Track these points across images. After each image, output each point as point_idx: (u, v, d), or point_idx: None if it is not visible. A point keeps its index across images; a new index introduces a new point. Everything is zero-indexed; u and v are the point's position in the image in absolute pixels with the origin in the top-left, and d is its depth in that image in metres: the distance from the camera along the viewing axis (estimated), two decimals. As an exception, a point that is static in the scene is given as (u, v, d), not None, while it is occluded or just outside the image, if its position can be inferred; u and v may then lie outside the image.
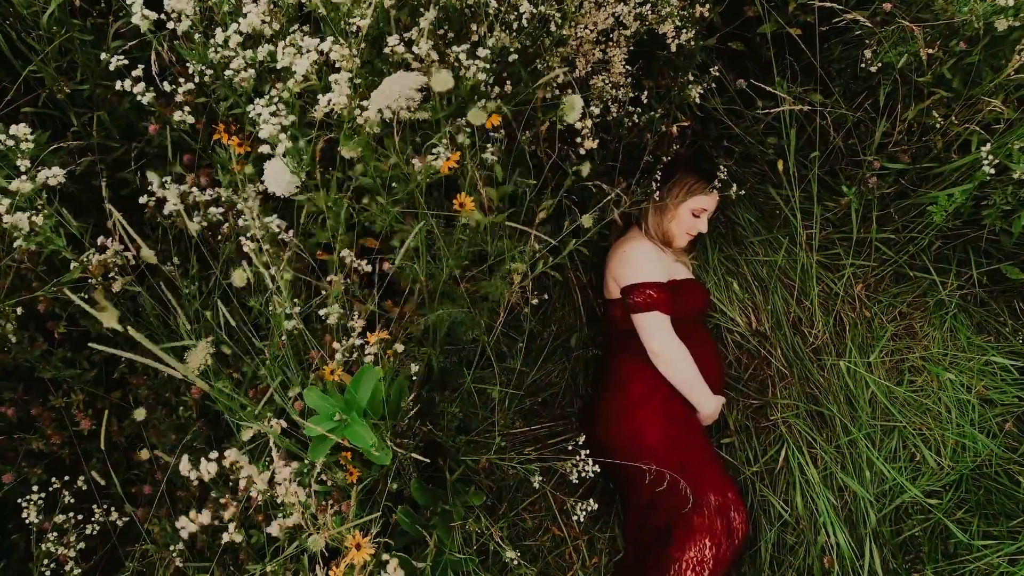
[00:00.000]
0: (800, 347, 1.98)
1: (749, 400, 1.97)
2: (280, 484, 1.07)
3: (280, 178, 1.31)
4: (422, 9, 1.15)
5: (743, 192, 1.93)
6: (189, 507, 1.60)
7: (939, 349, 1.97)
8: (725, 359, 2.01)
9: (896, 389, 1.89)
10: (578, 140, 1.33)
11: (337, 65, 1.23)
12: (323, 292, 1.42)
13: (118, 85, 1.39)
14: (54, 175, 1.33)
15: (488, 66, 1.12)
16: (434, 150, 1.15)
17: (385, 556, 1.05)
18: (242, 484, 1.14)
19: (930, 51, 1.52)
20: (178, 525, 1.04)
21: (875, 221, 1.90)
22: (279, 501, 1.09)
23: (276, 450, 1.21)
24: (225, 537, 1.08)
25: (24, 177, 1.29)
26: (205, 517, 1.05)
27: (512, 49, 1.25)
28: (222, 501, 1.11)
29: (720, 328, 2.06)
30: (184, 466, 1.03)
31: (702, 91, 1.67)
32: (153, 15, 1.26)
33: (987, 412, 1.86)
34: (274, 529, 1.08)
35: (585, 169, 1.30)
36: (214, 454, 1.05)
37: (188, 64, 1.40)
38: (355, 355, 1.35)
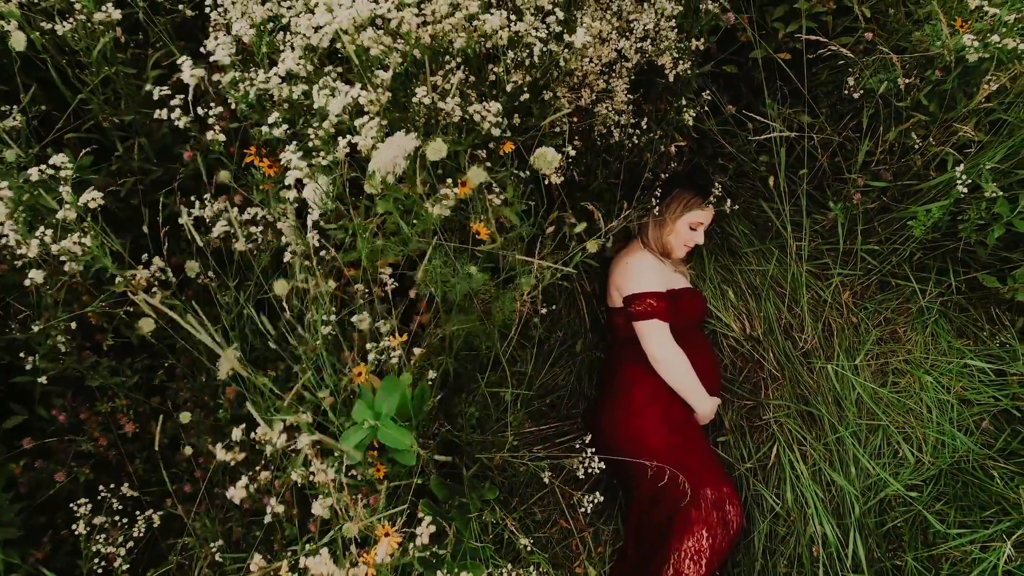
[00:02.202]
0: (791, 351, 2.11)
1: (743, 401, 2.10)
2: (314, 469, 1.19)
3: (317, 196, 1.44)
4: (447, 58, 1.28)
5: (736, 207, 2.07)
6: (225, 503, 1.73)
7: (921, 352, 2.10)
8: (721, 363, 2.15)
9: (880, 390, 2.02)
10: (561, 170, 1.44)
11: (365, 109, 1.36)
12: (355, 302, 1.55)
13: (157, 113, 1.51)
14: (93, 198, 1.44)
15: (500, 120, 1.24)
16: (444, 190, 1.26)
17: (420, 514, 1.18)
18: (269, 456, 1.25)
19: (907, 80, 1.65)
20: (228, 495, 1.15)
21: (860, 234, 2.03)
22: (314, 483, 1.21)
23: (308, 439, 1.33)
24: (267, 517, 1.20)
25: (68, 205, 1.39)
26: (241, 487, 1.17)
27: (524, 87, 1.37)
28: (257, 469, 1.23)
29: (716, 333, 2.19)
30: (219, 450, 1.15)
31: (695, 114, 1.79)
32: (200, 72, 1.37)
33: (965, 411, 1.99)
34: (316, 508, 1.21)
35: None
36: (241, 427, 1.17)
37: (227, 97, 1.52)
38: (383, 358, 1.48)
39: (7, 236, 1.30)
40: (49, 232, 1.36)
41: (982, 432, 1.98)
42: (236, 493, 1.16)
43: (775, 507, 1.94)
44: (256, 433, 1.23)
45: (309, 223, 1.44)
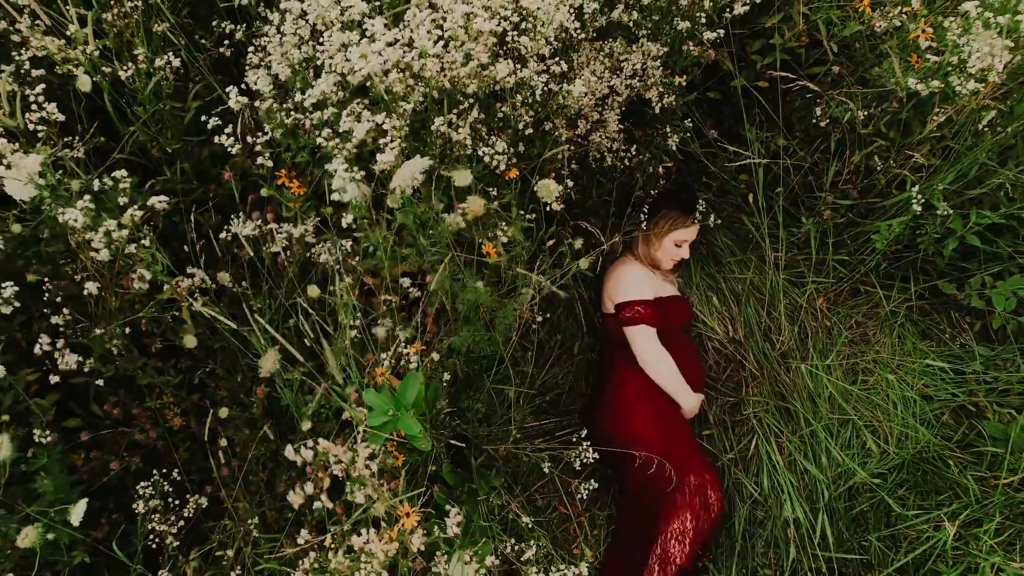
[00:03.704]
0: (769, 352, 2.31)
1: (726, 398, 2.31)
2: (359, 462, 1.39)
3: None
4: (460, 97, 1.48)
5: (720, 221, 2.27)
6: (259, 489, 1.93)
7: (889, 353, 2.30)
8: (706, 362, 2.35)
9: (850, 388, 2.22)
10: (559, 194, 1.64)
11: (389, 134, 1.56)
12: (378, 308, 1.76)
13: (216, 139, 1.70)
14: (158, 201, 1.65)
15: (505, 156, 1.45)
16: (459, 207, 1.47)
17: (436, 500, 1.38)
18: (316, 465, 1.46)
19: (864, 113, 1.85)
20: (289, 498, 1.35)
21: (831, 246, 2.23)
22: (356, 475, 1.41)
23: (354, 435, 1.53)
24: (317, 504, 1.40)
25: (132, 209, 1.59)
26: (309, 488, 1.37)
27: (528, 123, 1.57)
28: (319, 475, 1.43)
29: (702, 336, 2.39)
30: (289, 451, 1.35)
31: (679, 139, 1.99)
32: (244, 100, 1.57)
33: (926, 407, 2.19)
34: (358, 497, 1.40)
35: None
36: (310, 443, 1.37)
37: (264, 125, 1.73)
38: (401, 361, 1.69)
39: (90, 243, 1.49)
40: (116, 231, 1.56)
41: (942, 425, 2.19)
42: (295, 498, 1.35)
43: (754, 494, 2.14)
44: (318, 445, 1.41)
45: (344, 224, 1.63)
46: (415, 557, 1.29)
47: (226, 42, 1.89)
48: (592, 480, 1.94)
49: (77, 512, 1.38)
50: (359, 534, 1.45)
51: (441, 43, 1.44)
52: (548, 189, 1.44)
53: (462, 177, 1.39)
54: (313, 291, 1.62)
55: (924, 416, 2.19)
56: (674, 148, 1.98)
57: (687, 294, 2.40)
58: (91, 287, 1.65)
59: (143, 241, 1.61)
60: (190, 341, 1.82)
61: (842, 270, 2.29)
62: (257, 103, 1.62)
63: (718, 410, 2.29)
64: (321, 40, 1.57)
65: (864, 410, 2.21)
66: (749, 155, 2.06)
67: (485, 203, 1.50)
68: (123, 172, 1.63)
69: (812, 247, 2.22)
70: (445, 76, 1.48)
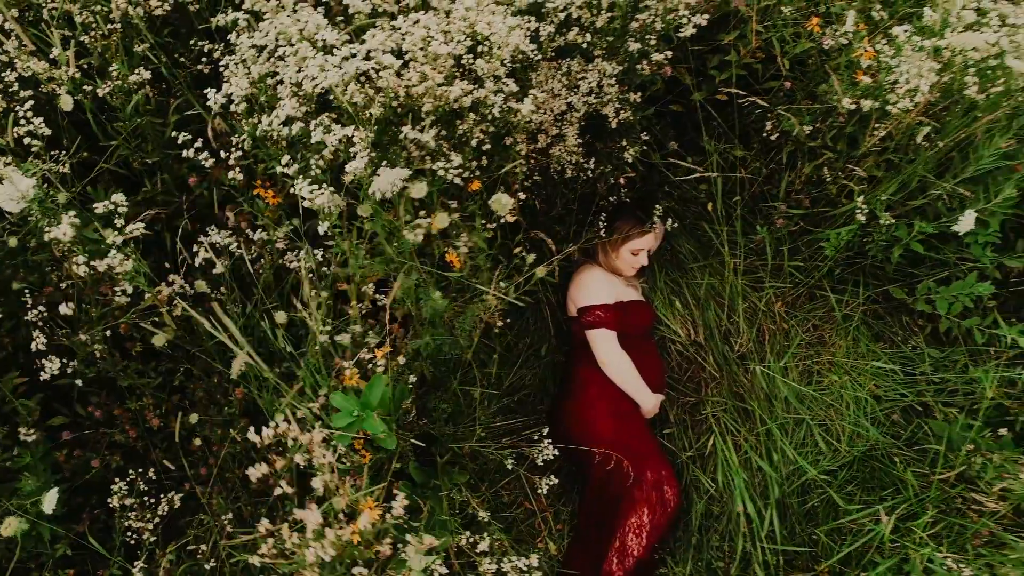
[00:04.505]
0: (729, 354, 2.41)
1: (687, 398, 2.41)
2: (315, 451, 1.48)
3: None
4: (421, 114, 1.57)
5: (676, 225, 2.37)
6: (235, 486, 2.03)
7: (843, 355, 2.40)
8: (668, 364, 2.45)
9: (804, 389, 2.32)
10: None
11: (356, 144, 1.65)
12: (346, 313, 1.85)
13: (184, 154, 1.80)
14: (138, 228, 1.75)
15: (461, 170, 1.54)
16: (419, 220, 1.56)
17: (394, 491, 1.47)
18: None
19: (809, 127, 1.95)
20: (248, 473, 1.44)
21: (787, 252, 2.33)
22: (314, 463, 1.50)
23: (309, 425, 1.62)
24: (277, 491, 1.50)
25: (116, 234, 1.69)
26: (264, 468, 1.46)
27: (486, 139, 1.67)
28: (273, 457, 1.52)
29: (665, 339, 2.49)
30: (251, 433, 1.44)
31: (636, 152, 2.09)
32: (221, 99, 1.66)
33: (877, 407, 2.29)
34: (316, 483, 1.49)
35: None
36: (271, 424, 1.46)
37: (236, 136, 1.81)
38: (369, 364, 1.78)
39: (74, 260, 1.58)
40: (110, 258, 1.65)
41: (892, 424, 2.29)
42: (254, 473, 1.45)
43: (710, 490, 2.24)
44: (278, 427, 1.51)
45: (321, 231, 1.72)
46: (370, 544, 1.39)
47: (204, 59, 1.99)
48: (552, 476, 2.03)
49: (49, 500, 1.47)
50: (326, 523, 1.54)
51: (400, 62, 1.53)
52: (501, 203, 1.54)
53: (418, 189, 1.49)
54: (280, 317, 1.72)
55: (875, 415, 2.29)
56: (630, 161, 2.08)
57: (651, 298, 2.50)
58: (66, 308, 1.75)
59: (128, 261, 1.70)
60: (159, 339, 1.91)
61: (798, 275, 2.39)
62: (232, 108, 1.70)
63: (678, 410, 2.39)
64: (284, 55, 1.66)
65: (818, 410, 2.31)
66: (698, 169, 2.16)
67: (448, 215, 1.59)
68: (121, 197, 1.70)
69: (768, 254, 2.32)
70: (403, 89, 1.58)
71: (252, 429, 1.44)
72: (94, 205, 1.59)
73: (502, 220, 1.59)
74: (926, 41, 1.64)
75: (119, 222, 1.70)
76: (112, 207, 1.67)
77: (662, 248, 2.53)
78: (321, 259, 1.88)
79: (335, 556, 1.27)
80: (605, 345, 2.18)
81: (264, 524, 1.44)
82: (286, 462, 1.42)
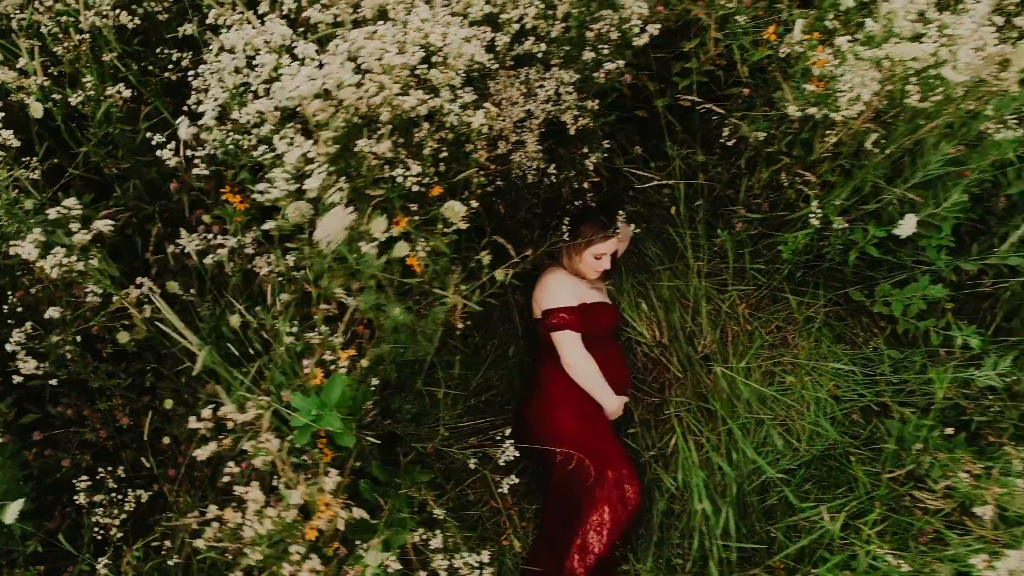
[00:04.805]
0: (692, 355, 2.46)
1: (651, 398, 2.45)
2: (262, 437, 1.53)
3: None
4: (380, 126, 1.62)
5: (642, 227, 2.42)
6: (203, 484, 2.08)
7: (805, 356, 2.45)
8: (633, 365, 2.50)
9: (764, 390, 2.37)
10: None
11: (314, 160, 1.69)
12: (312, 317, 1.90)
13: (158, 154, 1.84)
14: (104, 225, 1.79)
15: (419, 177, 1.59)
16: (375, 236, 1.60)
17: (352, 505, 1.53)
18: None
19: (763, 134, 2.00)
20: (195, 454, 1.50)
21: (748, 255, 2.38)
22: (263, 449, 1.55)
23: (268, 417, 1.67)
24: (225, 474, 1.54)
25: (81, 232, 1.73)
26: (212, 447, 1.51)
27: (444, 147, 1.71)
28: (221, 439, 1.57)
29: (631, 340, 2.54)
30: (192, 420, 1.49)
31: (597, 158, 2.14)
32: (194, 130, 1.71)
33: (836, 407, 2.34)
34: (257, 462, 1.54)
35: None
36: (211, 407, 1.52)
37: (205, 143, 1.86)
38: (333, 367, 1.83)
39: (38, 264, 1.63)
40: (65, 257, 1.70)
41: (851, 424, 2.34)
42: (201, 453, 1.50)
43: (671, 488, 2.28)
44: (222, 411, 1.57)
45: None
46: (308, 518, 1.44)
47: (171, 66, 2.03)
48: (515, 475, 2.08)
49: (11, 512, 1.52)
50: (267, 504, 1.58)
51: (359, 75, 1.58)
52: (453, 210, 1.58)
53: (379, 226, 1.54)
54: (234, 321, 1.77)
55: (835, 415, 2.34)
56: (591, 168, 2.13)
57: (618, 300, 2.55)
58: (53, 311, 1.80)
59: (92, 261, 1.74)
60: (123, 337, 1.95)
61: (760, 278, 2.44)
62: (201, 122, 1.74)
63: (643, 410, 2.43)
64: (254, 65, 1.71)
65: (779, 410, 2.36)
66: (656, 176, 2.22)
67: (407, 244, 1.64)
68: (74, 200, 1.75)
69: (729, 257, 2.37)
70: (363, 103, 1.62)
71: (193, 418, 1.49)
72: (47, 211, 1.63)
73: (454, 227, 1.64)
74: (868, 52, 1.69)
75: (75, 226, 1.74)
76: (66, 210, 1.71)
77: (629, 251, 2.58)
78: (292, 263, 1.92)
79: (271, 531, 1.32)
80: (569, 347, 2.22)
81: (212, 509, 1.49)
82: (230, 441, 1.47)
